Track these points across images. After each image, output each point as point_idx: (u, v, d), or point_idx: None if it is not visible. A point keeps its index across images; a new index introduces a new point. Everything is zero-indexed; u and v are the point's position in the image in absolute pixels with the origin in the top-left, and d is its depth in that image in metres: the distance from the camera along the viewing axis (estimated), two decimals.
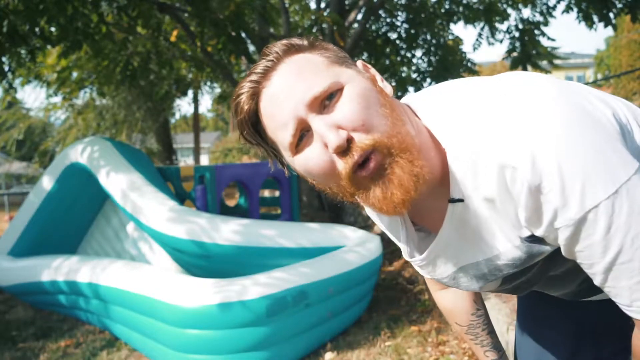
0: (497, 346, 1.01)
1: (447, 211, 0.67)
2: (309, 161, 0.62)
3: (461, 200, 0.64)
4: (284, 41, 0.65)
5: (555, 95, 0.57)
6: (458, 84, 0.68)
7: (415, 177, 0.58)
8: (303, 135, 0.62)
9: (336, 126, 0.59)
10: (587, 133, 0.54)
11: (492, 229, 0.65)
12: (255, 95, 0.63)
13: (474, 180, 0.61)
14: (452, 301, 1.01)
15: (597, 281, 0.60)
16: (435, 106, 0.67)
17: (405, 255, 0.77)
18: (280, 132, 0.62)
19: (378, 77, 0.67)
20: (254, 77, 0.63)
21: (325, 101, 0.60)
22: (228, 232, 3.10)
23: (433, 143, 0.65)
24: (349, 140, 0.58)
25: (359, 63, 0.68)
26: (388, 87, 0.66)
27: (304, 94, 0.59)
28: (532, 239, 0.62)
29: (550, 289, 0.83)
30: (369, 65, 0.69)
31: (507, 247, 0.65)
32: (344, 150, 0.58)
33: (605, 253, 0.56)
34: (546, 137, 0.54)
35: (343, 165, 0.60)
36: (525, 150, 0.54)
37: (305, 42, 0.65)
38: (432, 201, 0.68)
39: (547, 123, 0.54)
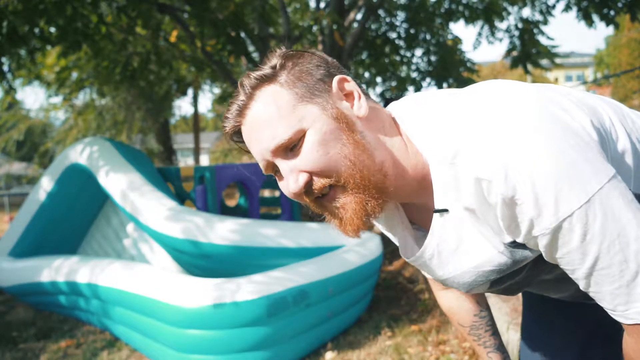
0: (500, 348, 1.01)
1: (432, 221, 0.69)
2: (284, 188, 0.68)
3: (445, 211, 0.66)
4: (257, 73, 0.67)
5: (529, 107, 0.58)
6: (442, 96, 0.70)
7: (365, 216, 0.65)
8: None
9: (298, 170, 0.65)
10: (559, 144, 0.55)
11: (476, 237, 0.66)
12: (237, 127, 0.69)
13: (455, 191, 0.63)
14: (455, 302, 1.01)
15: (581, 286, 0.61)
16: (419, 118, 0.69)
17: (402, 252, 0.79)
18: (259, 162, 0.70)
19: (356, 93, 0.68)
20: (231, 115, 0.68)
21: (291, 145, 0.65)
22: (225, 231, 3.10)
23: (414, 156, 0.68)
24: (309, 181, 0.65)
25: (335, 82, 0.68)
26: (363, 108, 0.67)
27: (269, 143, 0.65)
28: (515, 244, 0.64)
29: (549, 292, 0.84)
30: (349, 79, 0.69)
31: (491, 253, 0.67)
32: (305, 190, 0.65)
33: (584, 260, 0.57)
34: (518, 150, 0.55)
35: (306, 197, 0.67)
36: (498, 164, 0.56)
37: (279, 65, 0.67)
38: (424, 203, 0.71)
39: (519, 136, 0.56)
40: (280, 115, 0.64)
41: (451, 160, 0.61)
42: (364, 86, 0.74)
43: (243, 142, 0.71)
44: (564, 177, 0.54)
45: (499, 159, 0.56)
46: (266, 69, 0.67)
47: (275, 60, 0.68)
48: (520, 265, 0.68)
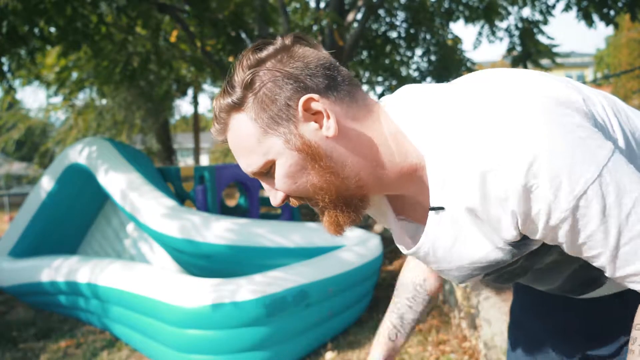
0: (393, 325, 0.99)
1: (427, 219, 0.68)
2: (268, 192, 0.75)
3: (442, 209, 0.65)
4: (225, 101, 0.68)
5: (526, 92, 0.58)
6: (437, 89, 0.69)
7: (338, 227, 0.69)
8: None
9: (275, 189, 0.71)
10: (561, 123, 0.55)
11: (473, 234, 0.66)
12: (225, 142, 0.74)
13: (453, 188, 0.62)
14: (414, 261, 1.01)
15: (608, 273, 0.61)
16: (414, 112, 0.68)
17: (397, 243, 0.79)
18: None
19: (324, 112, 0.65)
20: (216, 134, 0.72)
21: (265, 169, 0.70)
22: (223, 231, 3.10)
23: (405, 152, 0.67)
24: (286, 198, 0.71)
25: (300, 106, 0.65)
26: (332, 129, 0.65)
27: (245, 169, 0.71)
28: (516, 243, 0.64)
29: (538, 283, 0.84)
30: (316, 98, 0.65)
31: (488, 249, 0.66)
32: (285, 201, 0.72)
33: (607, 239, 0.57)
34: (525, 135, 0.55)
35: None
36: (506, 152, 0.55)
37: (243, 91, 0.66)
38: (416, 199, 0.71)
39: (524, 123, 0.55)
40: (248, 148, 0.68)
41: (450, 155, 0.60)
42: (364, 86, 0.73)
43: None
44: (574, 155, 0.54)
45: (506, 148, 0.55)
46: (234, 94, 0.67)
47: (242, 74, 0.67)
48: (516, 258, 0.68)
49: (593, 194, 0.55)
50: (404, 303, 1.00)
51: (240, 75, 0.67)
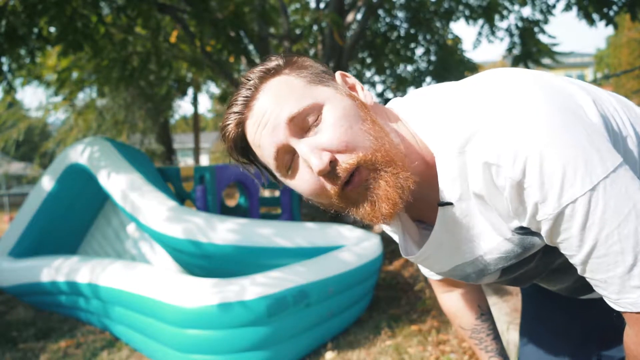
0: (502, 353, 1.01)
1: (437, 214, 0.68)
2: (299, 184, 0.65)
3: (450, 204, 0.65)
4: (261, 67, 0.67)
5: (535, 93, 0.58)
6: (443, 87, 0.70)
7: (400, 190, 0.61)
8: (293, 157, 0.65)
9: (320, 149, 0.61)
10: (567, 130, 0.55)
11: (483, 226, 0.66)
12: (240, 124, 0.66)
13: (463, 181, 0.63)
14: (456, 304, 1.01)
15: (578, 271, 0.62)
16: (421, 110, 0.69)
17: (402, 251, 0.79)
18: (267, 158, 0.65)
19: (358, 86, 0.69)
20: (236, 109, 0.66)
21: (307, 123, 0.62)
22: (225, 231, 3.10)
23: (418, 146, 0.68)
24: (333, 162, 0.60)
25: (338, 75, 0.69)
26: (369, 97, 0.67)
27: (283, 115, 0.62)
28: (523, 230, 0.64)
29: (549, 283, 0.84)
30: (349, 75, 0.70)
31: (498, 240, 0.67)
32: (329, 172, 0.61)
33: (581, 247, 0.58)
34: (527, 135, 0.55)
35: (331, 186, 0.62)
36: (507, 149, 0.56)
37: (281, 63, 0.67)
38: (426, 197, 0.71)
39: (528, 122, 0.56)
40: (292, 93, 0.63)
41: (460, 150, 0.61)
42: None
43: (245, 155, 0.70)
44: (571, 163, 0.54)
45: (507, 145, 0.56)
46: (269, 65, 0.67)
47: (274, 60, 0.68)
48: (529, 253, 0.68)
49: (580, 206, 0.55)
50: (488, 340, 1.01)
51: (272, 61, 0.67)
